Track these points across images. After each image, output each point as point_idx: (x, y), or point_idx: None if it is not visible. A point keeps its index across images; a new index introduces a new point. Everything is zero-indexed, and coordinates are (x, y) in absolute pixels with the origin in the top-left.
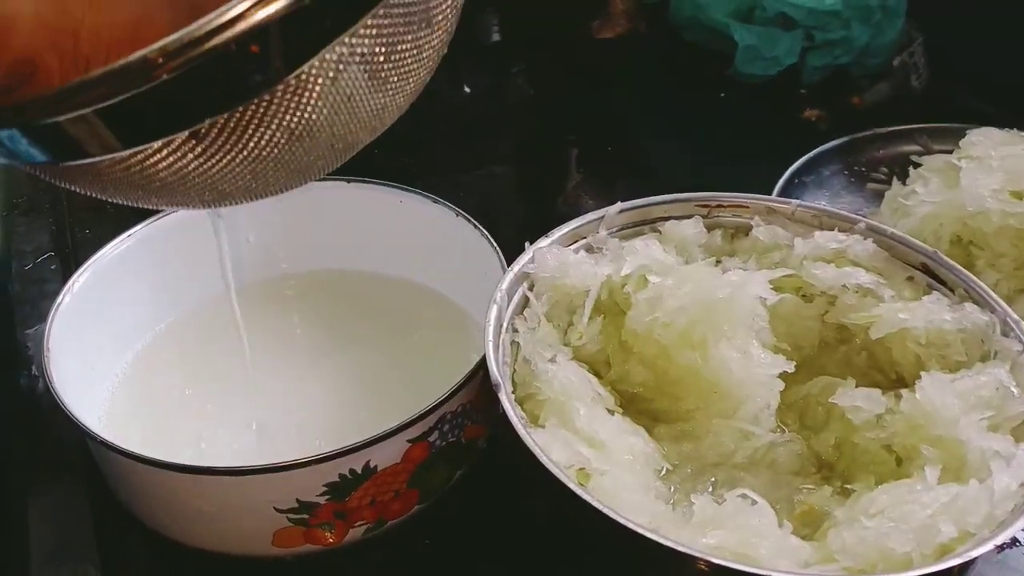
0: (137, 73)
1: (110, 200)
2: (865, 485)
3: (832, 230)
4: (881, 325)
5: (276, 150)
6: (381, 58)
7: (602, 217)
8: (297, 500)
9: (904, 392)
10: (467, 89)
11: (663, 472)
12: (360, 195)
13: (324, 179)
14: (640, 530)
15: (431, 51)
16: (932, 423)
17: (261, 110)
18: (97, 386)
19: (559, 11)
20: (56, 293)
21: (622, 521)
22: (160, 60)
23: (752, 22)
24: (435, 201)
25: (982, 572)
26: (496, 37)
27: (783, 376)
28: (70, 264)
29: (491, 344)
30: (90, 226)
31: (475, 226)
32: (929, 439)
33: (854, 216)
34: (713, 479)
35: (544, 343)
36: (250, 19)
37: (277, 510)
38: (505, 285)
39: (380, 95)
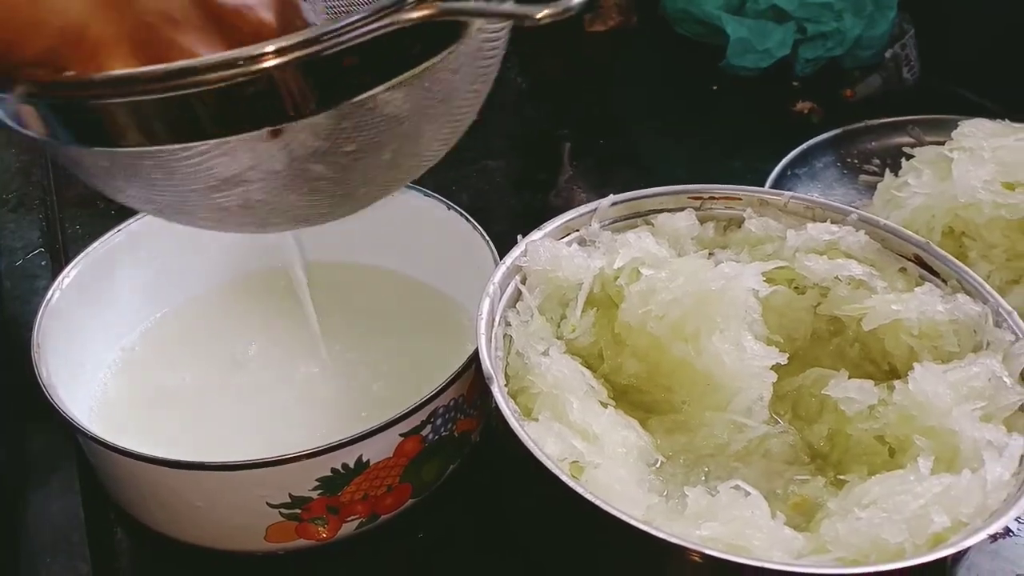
0: (243, 62)
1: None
2: (858, 476)
3: (824, 222)
4: (874, 316)
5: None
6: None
7: (595, 210)
8: (289, 495)
9: (897, 383)
10: None
11: (657, 465)
12: None
13: None
14: (634, 523)
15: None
16: (925, 414)
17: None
18: (87, 381)
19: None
20: (46, 289)
21: (616, 514)
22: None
23: (744, 15)
24: (427, 195)
25: (975, 562)
26: None
27: (776, 368)
28: (60, 260)
29: (484, 337)
30: (80, 222)
31: (467, 219)
32: (922, 430)
33: (846, 208)
34: (706, 470)
35: (537, 336)
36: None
37: (269, 505)
38: (498, 278)
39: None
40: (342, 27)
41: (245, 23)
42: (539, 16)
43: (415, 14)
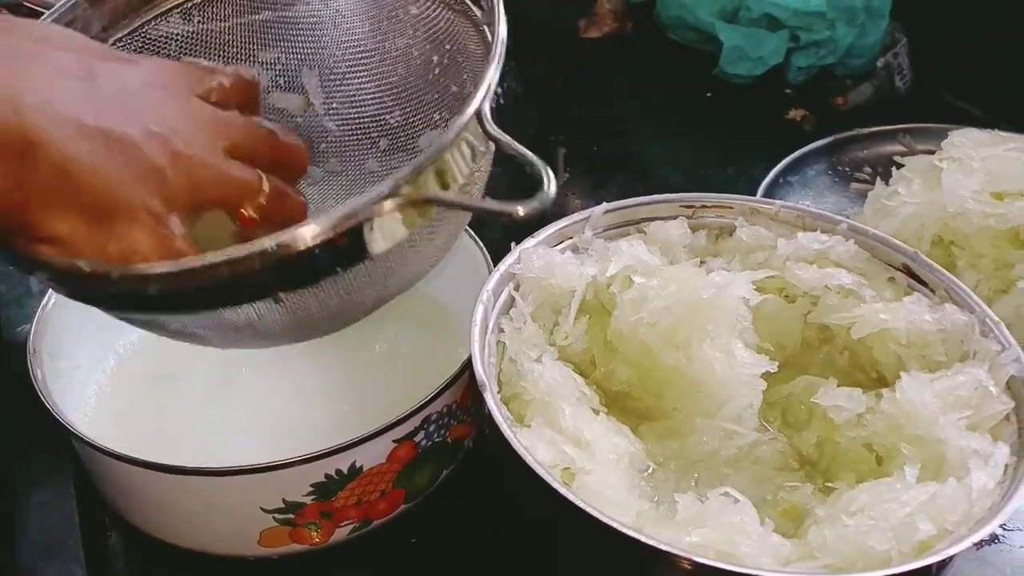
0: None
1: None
2: (846, 483)
3: (815, 231)
4: (862, 325)
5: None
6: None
7: (588, 217)
8: (283, 500)
9: (885, 392)
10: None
11: (648, 471)
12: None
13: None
14: (624, 529)
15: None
16: (912, 422)
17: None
18: (83, 386)
19: (547, 10)
20: (42, 294)
21: (606, 520)
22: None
23: (737, 22)
24: None
25: (961, 569)
26: None
27: (766, 376)
28: None
29: (477, 344)
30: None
31: None
32: (909, 438)
33: (836, 217)
34: (696, 476)
35: (530, 343)
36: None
37: (263, 510)
38: (491, 285)
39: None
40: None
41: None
42: (523, 213)
43: (398, 199)
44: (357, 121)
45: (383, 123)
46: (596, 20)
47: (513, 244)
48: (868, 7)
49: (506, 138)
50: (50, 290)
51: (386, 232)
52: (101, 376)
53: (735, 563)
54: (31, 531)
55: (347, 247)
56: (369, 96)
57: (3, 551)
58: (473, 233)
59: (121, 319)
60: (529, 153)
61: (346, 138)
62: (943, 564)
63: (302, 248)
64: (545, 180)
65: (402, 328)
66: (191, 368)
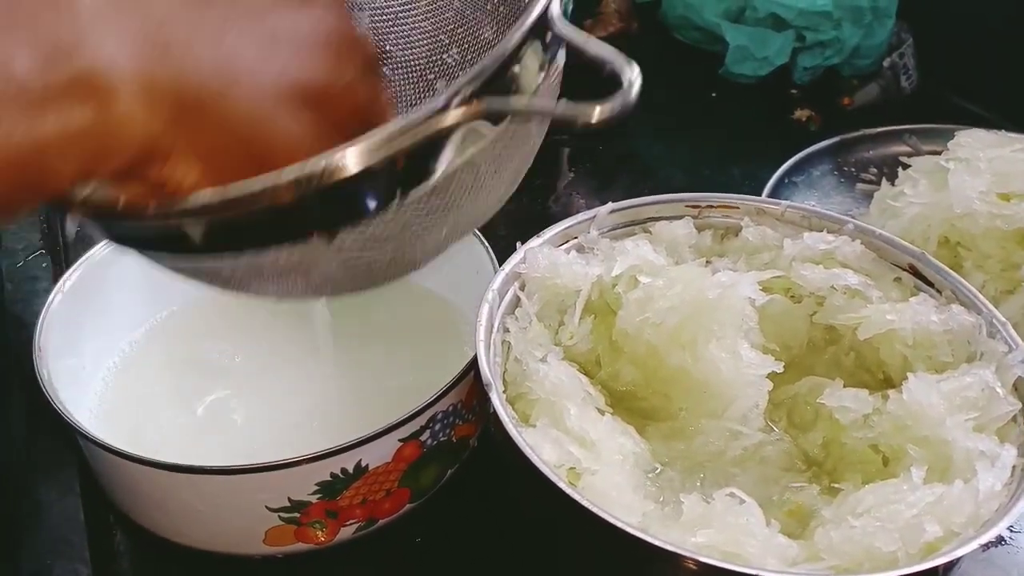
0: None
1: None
2: (852, 484)
3: (821, 231)
4: (868, 326)
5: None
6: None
7: (593, 217)
8: (289, 499)
9: (891, 392)
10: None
11: (655, 471)
12: None
13: None
14: (630, 529)
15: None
16: (918, 423)
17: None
18: (88, 384)
19: None
20: (47, 291)
21: (612, 520)
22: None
23: (743, 22)
24: None
25: (967, 570)
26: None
27: (772, 376)
28: (61, 262)
29: (482, 343)
30: (80, 223)
31: None
32: (915, 439)
33: (843, 217)
34: (702, 476)
35: (535, 343)
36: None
37: (269, 509)
38: (496, 285)
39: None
40: (398, 130)
41: (347, 99)
42: (594, 119)
43: (459, 112)
44: (412, 64)
45: (440, 64)
46: (601, 20)
47: (519, 244)
48: (874, 7)
49: (578, 34)
50: (55, 288)
51: (446, 153)
52: (107, 374)
53: (741, 564)
54: (37, 529)
55: (403, 170)
56: (424, 36)
57: (9, 549)
58: (478, 232)
59: (171, 268)
60: (607, 48)
61: (401, 84)
62: (950, 566)
63: (350, 172)
64: (626, 78)
65: (407, 326)
66: (196, 367)
